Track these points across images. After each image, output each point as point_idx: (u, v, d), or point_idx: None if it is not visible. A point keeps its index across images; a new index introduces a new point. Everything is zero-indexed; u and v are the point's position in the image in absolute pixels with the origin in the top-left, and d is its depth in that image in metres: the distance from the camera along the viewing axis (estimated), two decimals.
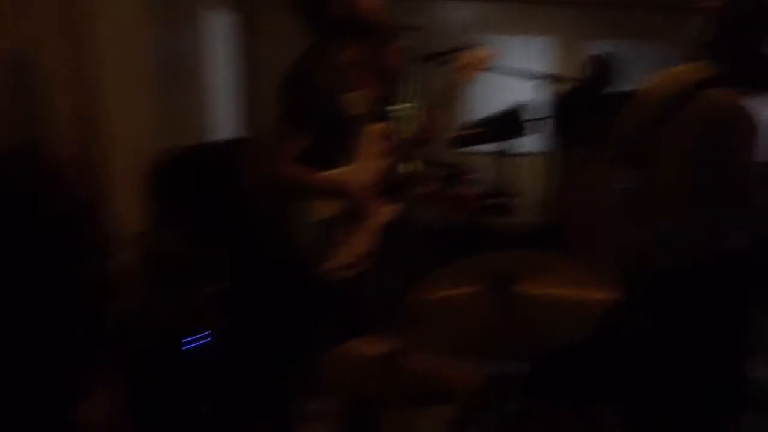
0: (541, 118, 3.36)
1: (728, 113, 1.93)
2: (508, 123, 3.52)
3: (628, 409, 2.25)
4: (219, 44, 4.62)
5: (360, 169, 2.10)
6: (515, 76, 3.30)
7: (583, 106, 4.15)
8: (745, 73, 2.00)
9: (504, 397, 1.59)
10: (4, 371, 0.95)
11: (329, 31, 2.02)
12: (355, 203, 2.04)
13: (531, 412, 1.75)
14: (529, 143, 3.79)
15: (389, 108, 2.38)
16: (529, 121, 3.52)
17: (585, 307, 1.37)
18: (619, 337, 2.27)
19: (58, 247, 1.01)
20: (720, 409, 2.08)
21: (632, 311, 2.19)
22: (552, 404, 2.12)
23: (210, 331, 2.61)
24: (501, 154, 3.57)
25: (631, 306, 2.15)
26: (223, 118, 4.60)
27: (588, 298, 1.39)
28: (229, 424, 2.40)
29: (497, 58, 2.32)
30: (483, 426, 1.53)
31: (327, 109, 1.97)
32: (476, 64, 2.28)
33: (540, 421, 1.72)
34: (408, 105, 2.35)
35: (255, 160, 2.00)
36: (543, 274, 1.45)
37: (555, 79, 3.35)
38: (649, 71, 2.26)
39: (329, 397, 2.10)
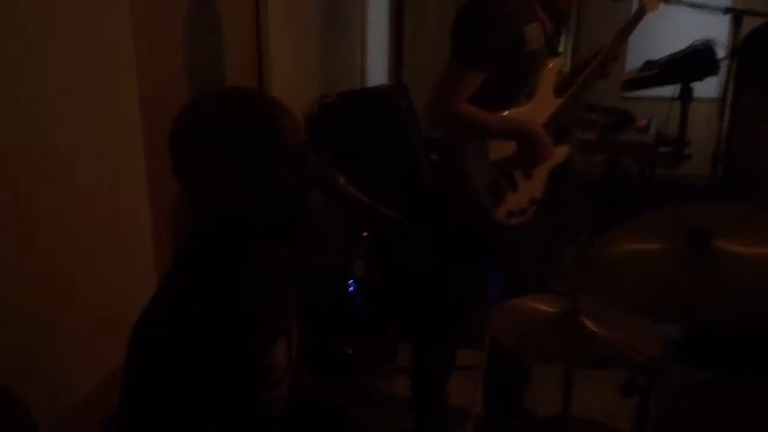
0: (727, 59, 3.02)
1: None
2: (689, 64, 3.20)
3: None
4: None
5: (537, 109, 1.99)
6: (699, 9, 2.99)
7: None
8: None
9: (681, 363, 1.47)
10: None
11: None
12: (534, 145, 1.93)
13: (707, 383, 1.60)
14: (710, 87, 3.43)
15: (558, 44, 2.25)
16: (712, 62, 3.18)
17: None
18: None
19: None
20: None
21: None
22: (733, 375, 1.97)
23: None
24: (678, 98, 3.27)
25: None
26: (381, 66, 4.63)
27: None
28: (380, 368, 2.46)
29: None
30: (654, 392, 1.43)
31: (507, 42, 1.84)
32: None
33: (716, 391, 1.57)
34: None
35: (428, 101, 1.90)
36: (746, 230, 1.30)
37: (745, 13, 3.00)
38: None
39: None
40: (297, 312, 1.20)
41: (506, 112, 1.93)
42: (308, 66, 3.22)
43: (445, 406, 2.29)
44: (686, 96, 3.24)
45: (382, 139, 3.11)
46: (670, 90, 3.33)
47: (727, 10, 3.01)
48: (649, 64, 3.36)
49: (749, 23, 3.48)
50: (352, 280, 2.48)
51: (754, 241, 1.28)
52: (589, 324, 1.41)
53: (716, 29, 3.28)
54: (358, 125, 3.14)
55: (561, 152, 2.10)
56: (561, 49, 2.30)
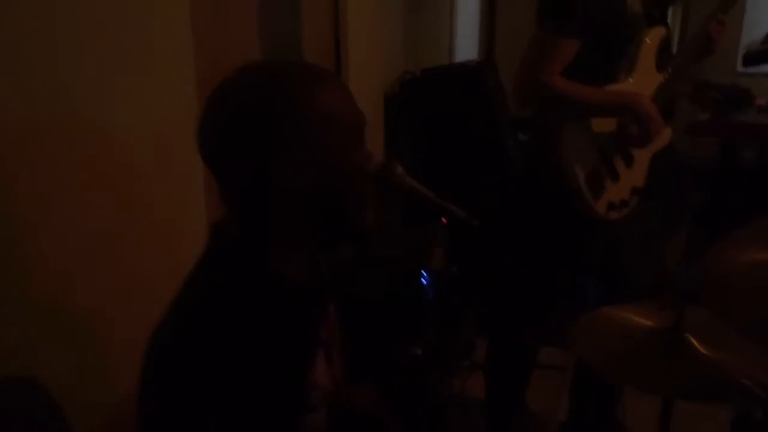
0: None
1: None
2: None
3: None
4: None
5: (639, 85, 1.73)
6: None
7: None
8: None
9: None
10: None
11: None
12: (644, 120, 1.67)
13: None
14: None
15: (665, 12, 1.97)
16: None
17: None
18: None
19: None
20: None
21: None
22: None
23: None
24: None
25: None
26: (468, 41, 4.39)
27: None
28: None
29: None
30: None
31: (603, 3, 1.60)
32: None
33: None
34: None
35: (516, 76, 1.67)
36: None
37: None
38: None
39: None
40: (343, 321, 1.05)
41: (607, 87, 1.69)
42: (390, 42, 3.07)
43: (523, 410, 2.11)
44: None
45: (467, 118, 2.93)
46: None
47: None
48: None
49: None
50: (425, 273, 2.31)
51: None
52: (696, 345, 1.18)
53: None
54: (441, 103, 2.97)
55: (665, 134, 1.83)
56: (669, 21, 2.01)
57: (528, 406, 2.13)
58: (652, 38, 1.75)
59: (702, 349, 1.17)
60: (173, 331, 0.83)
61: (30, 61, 1.10)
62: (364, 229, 0.92)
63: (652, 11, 1.78)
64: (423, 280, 2.32)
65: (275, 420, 0.83)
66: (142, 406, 0.83)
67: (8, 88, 1.07)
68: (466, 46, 4.41)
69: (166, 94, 1.47)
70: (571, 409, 2.11)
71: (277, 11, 2.01)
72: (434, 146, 2.98)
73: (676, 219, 2.91)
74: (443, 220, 3.34)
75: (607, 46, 1.67)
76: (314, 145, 0.83)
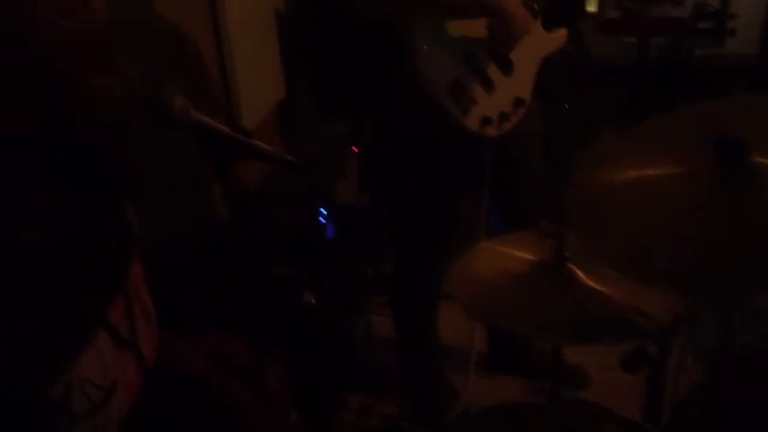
0: None
1: None
2: None
3: None
4: None
5: None
6: None
7: None
8: None
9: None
10: None
11: None
12: (501, 22, 1.47)
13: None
14: None
15: None
16: None
17: None
18: None
19: None
20: None
21: None
22: None
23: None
24: None
25: None
26: None
27: None
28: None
29: None
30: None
31: None
32: None
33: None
34: None
35: None
36: None
37: None
38: None
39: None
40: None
41: None
42: None
43: (436, 345, 1.98)
44: None
45: (366, 28, 2.68)
46: None
47: None
48: None
49: None
50: (324, 211, 2.12)
51: None
52: (582, 277, 1.04)
53: None
54: (341, 15, 2.71)
55: (556, 37, 1.64)
56: None
57: (441, 339, 2.01)
58: None
59: (587, 283, 1.03)
60: None
61: None
62: (127, 170, 0.71)
63: None
64: (321, 218, 2.14)
65: None
66: None
67: None
68: None
69: None
70: (489, 340, 2.00)
71: None
72: (337, 65, 2.74)
73: (591, 123, 2.77)
74: (354, 148, 3.11)
75: None
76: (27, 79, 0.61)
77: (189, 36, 1.82)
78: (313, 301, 1.73)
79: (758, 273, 0.79)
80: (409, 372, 1.96)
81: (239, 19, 2.22)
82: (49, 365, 0.69)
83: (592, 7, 2.91)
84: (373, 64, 2.05)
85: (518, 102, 1.59)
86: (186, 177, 1.61)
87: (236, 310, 1.56)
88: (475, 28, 1.50)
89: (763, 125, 0.91)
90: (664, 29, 2.74)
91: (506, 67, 1.57)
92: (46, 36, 0.63)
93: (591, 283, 1.03)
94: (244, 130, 0.83)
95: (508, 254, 1.13)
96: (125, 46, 0.76)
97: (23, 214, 0.67)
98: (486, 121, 1.53)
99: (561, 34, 1.64)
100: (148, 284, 0.88)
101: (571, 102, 2.62)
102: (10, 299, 0.66)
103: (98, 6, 0.70)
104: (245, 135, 0.82)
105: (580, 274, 1.05)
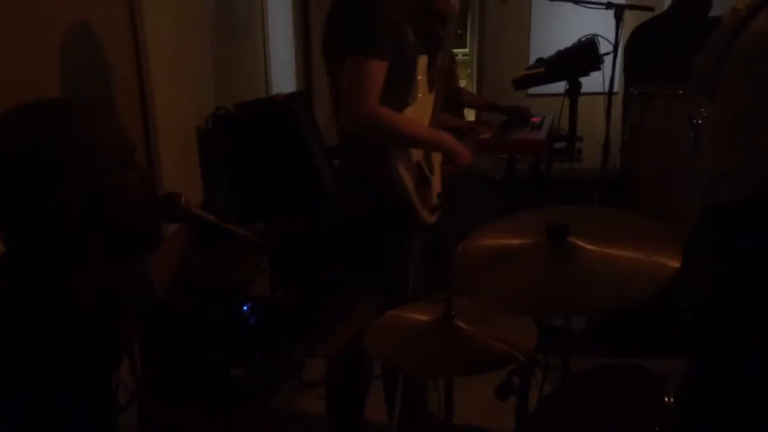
0: (610, 53, 3.11)
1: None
2: (574, 61, 3.29)
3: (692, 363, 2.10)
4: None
5: (422, 106, 1.98)
6: (584, 5, 3.07)
7: (664, 39, 3.83)
8: None
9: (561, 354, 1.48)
10: None
11: None
12: (455, 155, 1.98)
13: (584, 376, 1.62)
14: (600, 82, 3.52)
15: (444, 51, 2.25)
16: (595, 57, 3.27)
17: (649, 270, 1.23)
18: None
19: None
20: None
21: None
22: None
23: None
24: (569, 94, 3.35)
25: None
26: (282, 72, 4.53)
27: (652, 261, 1.24)
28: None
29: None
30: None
31: (393, 29, 1.78)
32: None
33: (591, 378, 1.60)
34: (464, 50, 2.23)
35: (344, 103, 1.79)
36: (605, 230, 1.32)
37: (626, 7, 3.11)
38: None
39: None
40: (138, 331, 1.13)
41: (405, 112, 1.91)
42: (200, 76, 3.11)
43: (361, 420, 2.22)
44: (574, 92, 3.32)
45: (281, 148, 3.05)
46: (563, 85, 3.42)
47: (608, 5, 3.10)
48: (539, 62, 3.43)
49: (636, 18, 3.63)
50: (247, 302, 2.40)
51: (614, 241, 1.29)
52: (465, 327, 1.40)
53: (604, 25, 3.33)
54: (255, 137, 3.07)
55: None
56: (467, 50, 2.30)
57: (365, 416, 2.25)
58: (421, 64, 1.99)
59: (469, 330, 1.39)
60: None
61: None
62: (147, 237, 1.05)
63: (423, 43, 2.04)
64: (244, 307, 2.41)
65: (86, 420, 0.91)
66: None
67: None
68: (285, 77, 4.54)
69: None
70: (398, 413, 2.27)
71: (78, 48, 1.99)
72: (254, 177, 3.07)
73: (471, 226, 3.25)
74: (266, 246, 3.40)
75: (400, 71, 1.85)
76: (79, 173, 0.93)
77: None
78: (239, 375, 1.98)
79: (573, 309, 1.21)
80: None
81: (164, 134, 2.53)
82: (110, 361, 0.99)
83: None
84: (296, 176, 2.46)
85: (439, 195, 2.03)
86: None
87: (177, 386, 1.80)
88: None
89: (579, 220, 1.33)
90: (527, 149, 3.32)
91: (431, 170, 2.03)
92: (93, 145, 0.95)
93: (473, 333, 1.39)
94: (224, 220, 1.15)
95: (409, 317, 1.48)
96: None
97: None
98: (431, 212, 1.99)
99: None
100: None
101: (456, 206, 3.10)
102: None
103: None
104: (225, 223, 1.14)
105: (463, 325, 1.41)
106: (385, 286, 2.03)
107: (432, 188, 2.02)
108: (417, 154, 1.96)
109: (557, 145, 3.46)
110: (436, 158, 2.07)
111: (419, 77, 1.98)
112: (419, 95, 1.98)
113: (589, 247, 1.28)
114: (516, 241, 1.34)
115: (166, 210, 1.06)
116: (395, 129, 1.81)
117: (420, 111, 1.98)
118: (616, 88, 3.39)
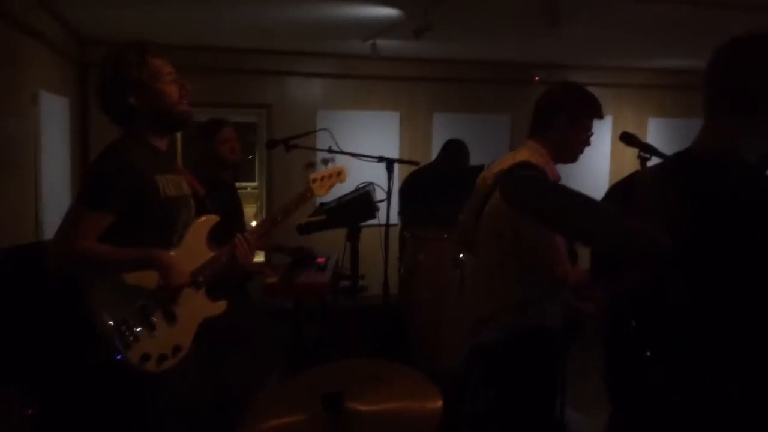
0: (384, 200, 3.43)
1: None
2: (352, 209, 3.56)
3: None
4: (52, 127, 4.34)
5: (184, 255, 2.01)
6: (362, 158, 3.40)
7: (433, 187, 4.34)
8: None
9: None
10: None
11: (134, 122, 1.99)
12: (165, 271, 1.91)
13: None
14: (379, 218, 3.81)
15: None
16: (370, 205, 3.58)
17: (418, 419, 1.36)
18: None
19: None
20: None
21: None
22: None
23: None
24: (349, 238, 3.59)
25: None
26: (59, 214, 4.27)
27: (419, 409, 1.38)
28: None
29: (347, 173, 2.53)
30: None
31: (136, 186, 1.91)
32: (332, 179, 2.47)
33: None
34: (253, 184, 2.35)
35: (54, 244, 1.91)
36: (373, 388, 1.43)
37: (393, 161, 3.48)
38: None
39: None
40: None
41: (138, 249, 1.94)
42: None
43: None
44: (354, 236, 3.57)
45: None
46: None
47: (380, 159, 3.46)
48: (322, 206, 3.65)
49: (408, 167, 4.08)
50: None
51: (382, 398, 1.41)
52: None
53: (379, 173, 3.63)
54: (20, 286, 2.83)
55: (217, 306, 2.11)
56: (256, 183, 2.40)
57: None
58: (202, 222, 2.10)
59: None
60: None
61: None
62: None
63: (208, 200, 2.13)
64: None
65: None
66: None
67: None
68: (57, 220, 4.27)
69: None
70: None
71: None
72: (17, 333, 2.79)
73: (266, 363, 3.23)
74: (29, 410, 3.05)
75: (148, 221, 1.94)
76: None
77: None
78: None
79: None
80: None
81: None
82: None
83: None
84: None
85: (177, 348, 1.97)
86: None
87: None
88: (150, 280, 1.92)
89: (350, 381, 1.43)
90: (313, 292, 3.46)
91: (171, 319, 1.98)
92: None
93: None
94: None
95: None
96: None
97: None
98: (145, 357, 1.90)
99: (221, 305, 2.11)
100: None
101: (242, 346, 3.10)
102: None
103: None
104: None
105: None
106: None
107: (162, 335, 1.96)
108: (142, 292, 1.94)
109: (342, 283, 3.64)
110: (185, 310, 2.01)
111: (192, 230, 2.07)
112: (183, 246, 2.04)
113: (363, 408, 1.37)
114: (293, 419, 1.38)
115: None
116: (93, 255, 1.87)
117: (185, 256, 2.02)
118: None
